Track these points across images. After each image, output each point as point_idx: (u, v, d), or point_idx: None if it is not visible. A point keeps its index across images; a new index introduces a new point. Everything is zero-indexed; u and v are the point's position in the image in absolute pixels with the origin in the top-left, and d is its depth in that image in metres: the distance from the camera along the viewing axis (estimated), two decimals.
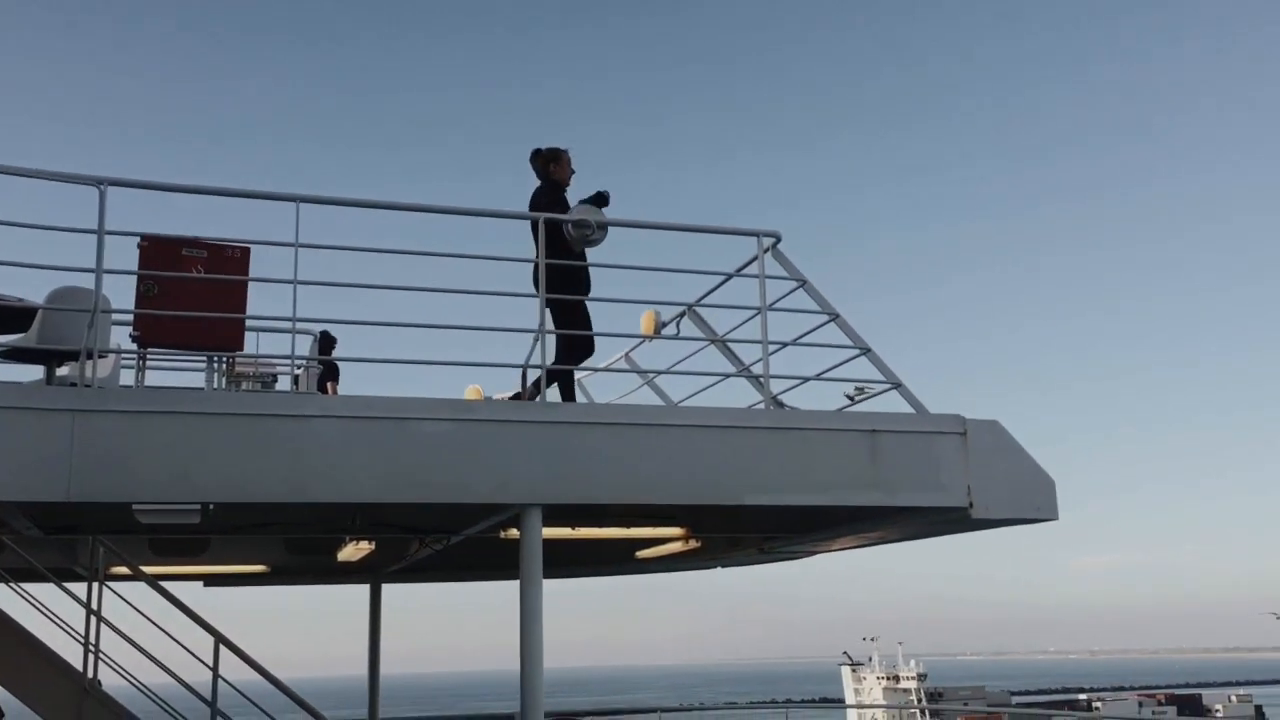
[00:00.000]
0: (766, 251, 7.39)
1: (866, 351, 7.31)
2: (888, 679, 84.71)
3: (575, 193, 8.35)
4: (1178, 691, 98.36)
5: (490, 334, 6.81)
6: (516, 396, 7.70)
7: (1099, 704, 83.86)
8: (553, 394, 8.01)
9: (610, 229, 7.67)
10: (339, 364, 10.90)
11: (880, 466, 6.89)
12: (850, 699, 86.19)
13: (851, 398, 7.62)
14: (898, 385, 7.26)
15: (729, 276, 7.81)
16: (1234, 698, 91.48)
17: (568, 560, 11.28)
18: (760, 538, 9.88)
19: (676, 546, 9.75)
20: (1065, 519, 7.47)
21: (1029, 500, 7.19)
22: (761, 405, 7.35)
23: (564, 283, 7.69)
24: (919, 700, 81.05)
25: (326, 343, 10.78)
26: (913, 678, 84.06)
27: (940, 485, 6.99)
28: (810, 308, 7.39)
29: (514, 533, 6.57)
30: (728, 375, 8.03)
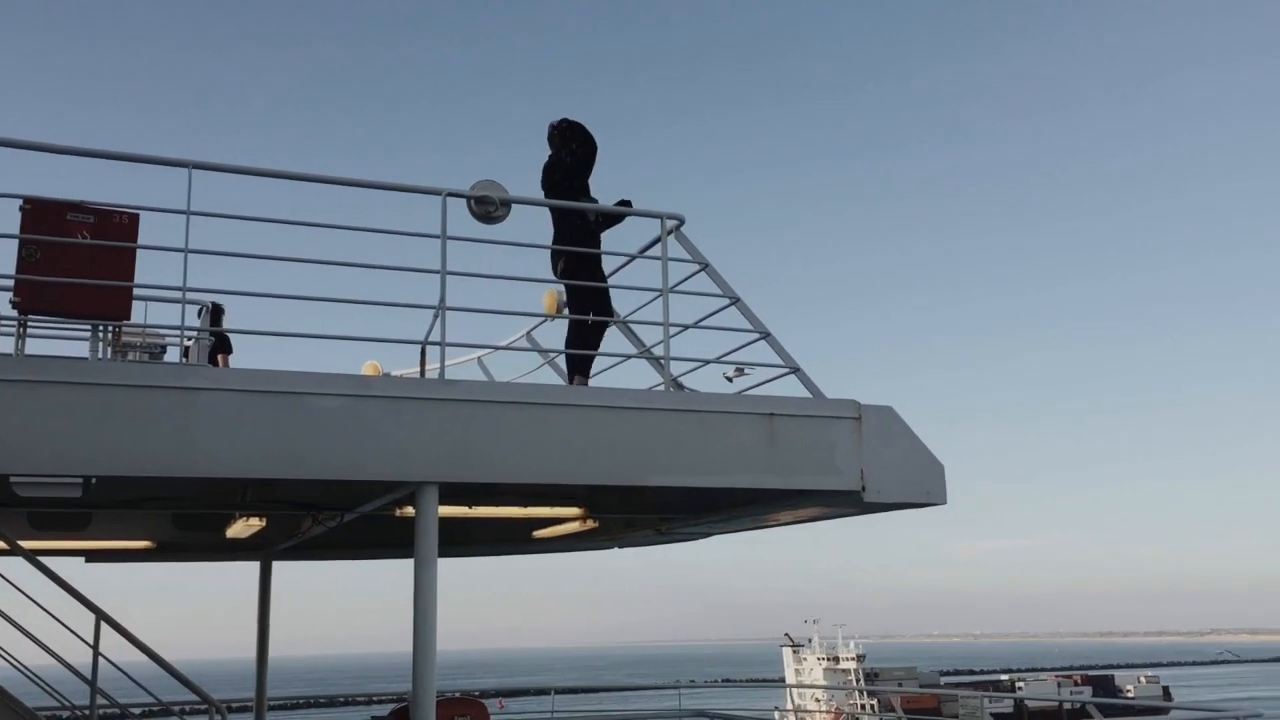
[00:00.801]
0: (670, 234, 7.41)
1: (766, 336, 7.38)
2: (828, 659, 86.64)
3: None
4: (1091, 673, 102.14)
5: (394, 310, 6.73)
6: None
7: (1021, 684, 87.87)
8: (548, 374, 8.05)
9: (515, 206, 7.60)
10: (230, 336, 10.63)
11: (777, 449, 6.97)
12: (791, 679, 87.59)
13: (730, 378, 7.72)
14: (796, 370, 7.35)
15: (631, 258, 7.82)
16: (1143, 679, 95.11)
17: (464, 539, 11.21)
18: (658, 519, 9.94)
19: (574, 526, 9.76)
20: (952, 504, 7.67)
21: (919, 485, 7.35)
22: (661, 387, 7.38)
23: (587, 267, 7.66)
24: (858, 680, 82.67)
25: (217, 314, 10.50)
26: (852, 659, 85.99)
27: (835, 469, 7.11)
28: (712, 291, 7.44)
29: (409, 511, 6.50)
30: (628, 356, 8.05)
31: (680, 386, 7.83)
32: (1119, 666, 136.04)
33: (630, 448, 6.69)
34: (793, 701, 79.01)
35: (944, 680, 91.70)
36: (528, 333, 9.53)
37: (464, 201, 7.11)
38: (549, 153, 8.43)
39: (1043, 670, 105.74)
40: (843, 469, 7.11)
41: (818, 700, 77.72)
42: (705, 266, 7.40)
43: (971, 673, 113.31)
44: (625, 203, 8.07)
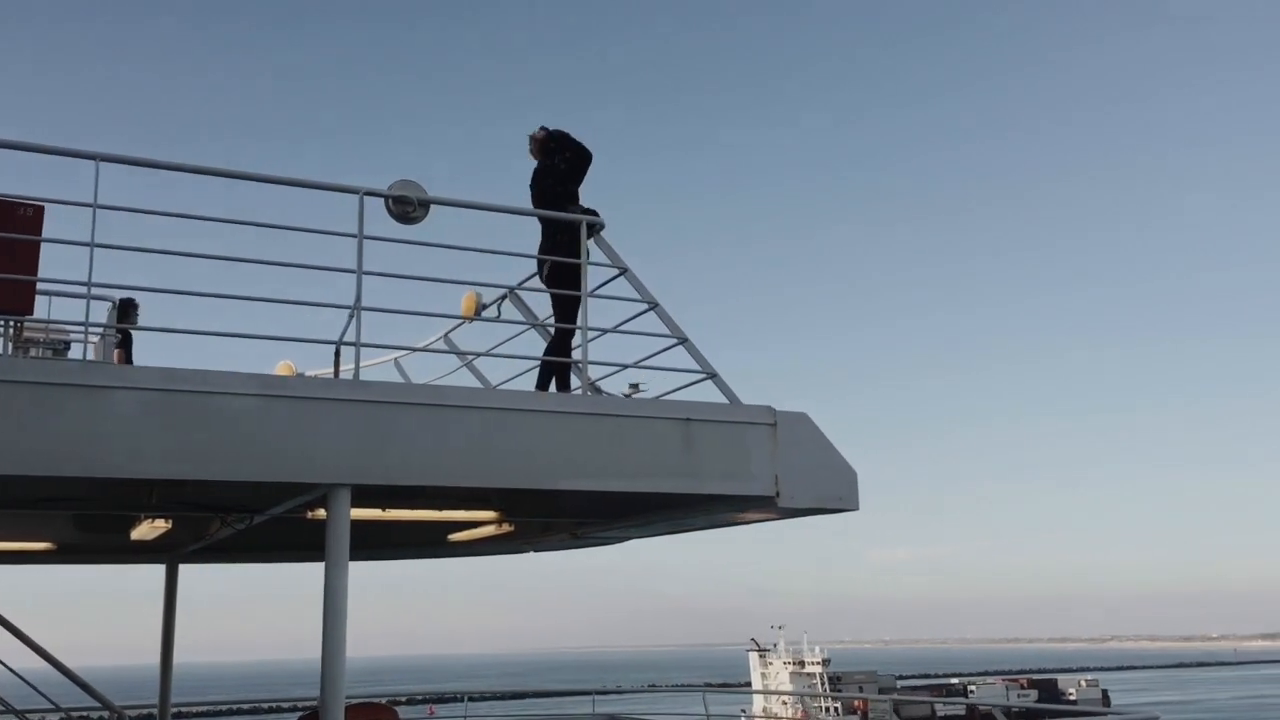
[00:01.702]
0: (590, 238, 7.42)
1: (683, 341, 7.43)
2: (794, 664, 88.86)
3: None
4: (1035, 677, 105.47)
5: (309, 310, 6.64)
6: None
7: (973, 688, 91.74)
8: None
9: (433, 207, 7.55)
10: (133, 333, 10.36)
11: (692, 454, 7.01)
12: (757, 683, 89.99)
13: (627, 395, 7.77)
14: (713, 375, 7.41)
15: (550, 260, 7.81)
16: (1083, 682, 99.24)
17: (377, 543, 11.07)
18: (574, 523, 9.93)
19: (490, 530, 9.70)
20: (864, 511, 7.78)
21: (832, 491, 7.45)
22: (579, 391, 7.38)
23: (571, 275, 7.60)
24: (822, 684, 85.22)
25: (127, 309, 10.24)
26: (817, 663, 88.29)
27: (749, 474, 7.17)
28: (630, 296, 7.46)
29: (321, 513, 6.40)
30: (544, 360, 8.04)
31: (598, 390, 7.85)
32: (1061, 671, 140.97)
33: (546, 451, 6.68)
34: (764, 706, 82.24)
35: (900, 684, 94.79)
36: (446, 335, 9.47)
37: (382, 201, 7.04)
38: (534, 162, 8.52)
39: (989, 674, 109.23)
40: (757, 474, 7.17)
41: (785, 703, 79.95)
42: (624, 271, 7.43)
43: (925, 676, 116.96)
44: (593, 211, 8.09)
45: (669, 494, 7.17)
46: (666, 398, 7.45)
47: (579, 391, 7.35)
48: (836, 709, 78.98)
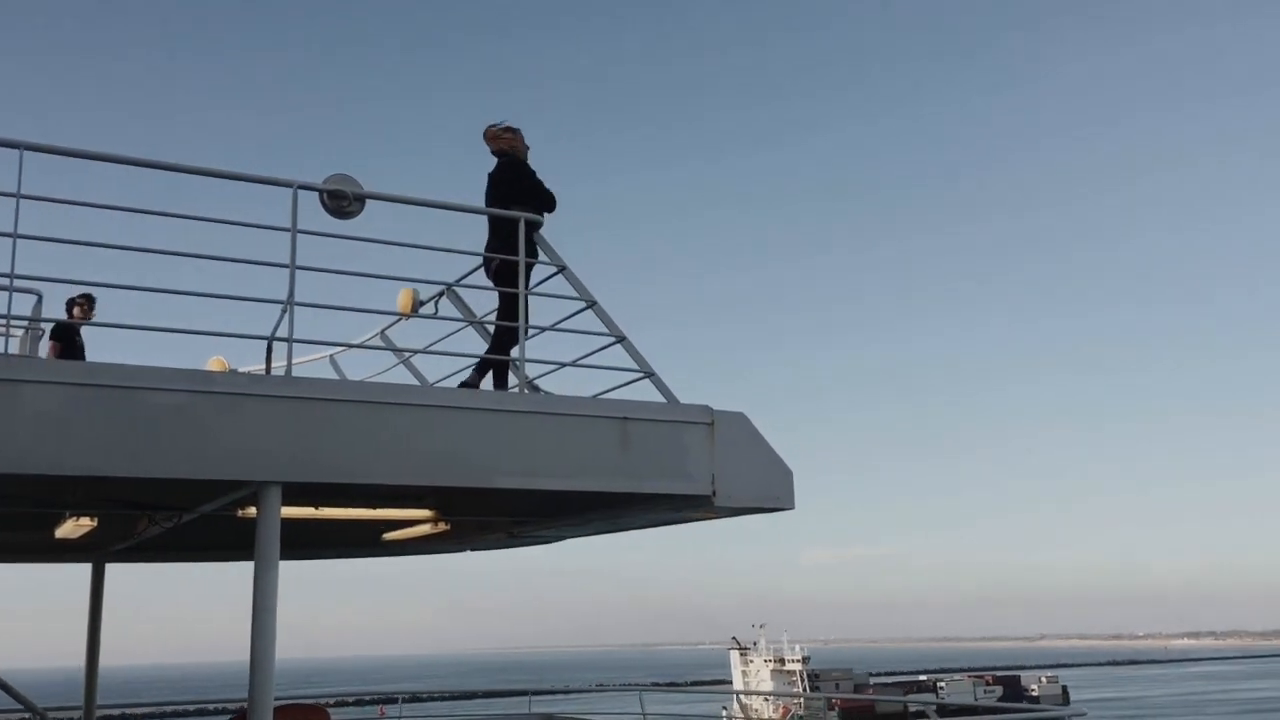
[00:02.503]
0: (528, 235, 7.37)
1: (622, 340, 7.41)
2: (775, 662, 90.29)
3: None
4: (999, 674, 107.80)
5: (242, 305, 6.52)
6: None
7: (942, 685, 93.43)
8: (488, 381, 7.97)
9: (370, 202, 7.45)
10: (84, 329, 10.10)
11: (630, 453, 7.00)
12: (738, 681, 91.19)
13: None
14: (651, 374, 7.39)
15: (489, 258, 7.75)
16: (1044, 679, 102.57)
17: (309, 542, 10.92)
18: (510, 522, 9.86)
19: (425, 529, 9.61)
20: (800, 510, 7.82)
21: (769, 490, 7.47)
22: (517, 389, 7.33)
23: (513, 274, 7.51)
24: (802, 681, 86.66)
25: (76, 304, 9.93)
26: (797, 661, 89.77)
27: (687, 473, 7.17)
28: (569, 294, 7.43)
29: (252, 511, 6.29)
30: (484, 357, 7.98)
31: (536, 389, 7.80)
32: (1024, 668, 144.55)
33: (483, 449, 6.62)
34: (740, 701, 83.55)
35: (873, 681, 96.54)
36: (382, 331, 9.36)
37: (316, 195, 6.94)
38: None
39: (955, 671, 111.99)
40: (694, 474, 7.17)
41: (766, 700, 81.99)
42: (563, 269, 7.39)
43: (892, 674, 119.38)
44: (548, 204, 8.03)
45: (606, 493, 7.15)
46: (604, 397, 7.43)
47: (516, 390, 7.30)
48: (814, 705, 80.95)
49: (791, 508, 7.62)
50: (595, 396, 7.43)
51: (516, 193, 8.06)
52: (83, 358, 10.05)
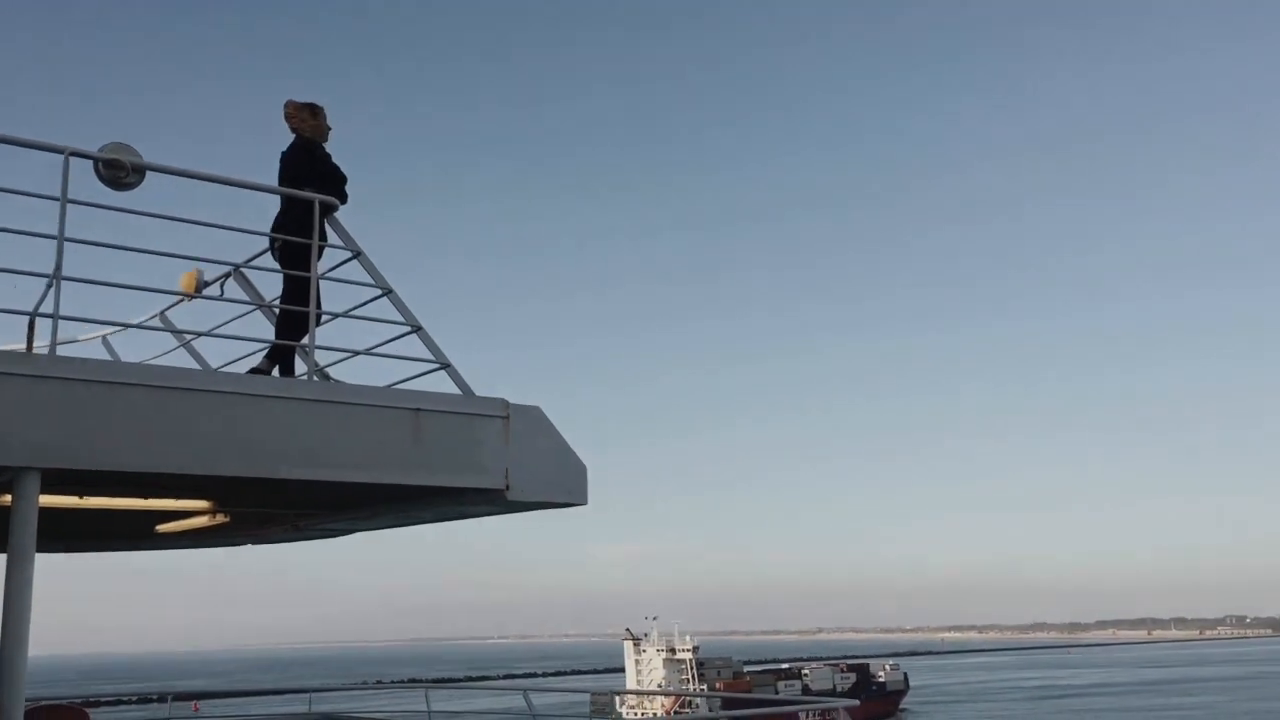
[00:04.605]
0: (323, 218, 7.12)
1: (418, 330, 7.26)
2: (667, 651, 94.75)
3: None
4: (851, 661, 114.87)
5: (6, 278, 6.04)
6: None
7: (807, 671, 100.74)
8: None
9: (151, 174, 7.03)
10: None
11: (422, 446, 6.87)
12: (630, 670, 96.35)
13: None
14: (446, 365, 7.27)
15: (279, 239, 7.45)
16: (888, 666, 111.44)
17: (73, 533, 10.23)
18: (295, 514, 9.52)
19: (203, 521, 9.17)
20: (593, 506, 7.86)
21: (563, 485, 7.49)
22: (305, 376, 7.07)
23: (303, 254, 7.05)
24: (692, 670, 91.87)
25: None
26: (688, 650, 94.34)
27: (480, 467, 7.10)
28: (364, 280, 7.22)
29: (6, 499, 5.84)
30: (270, 343, 7.66)
31: (326, 377, 7.55)
32: (888, 655, 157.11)
33: (267, 438, 6.38)
34: (637, 680, 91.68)
35: (749, 669, 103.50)
36: (162, 312, 8.86)
37: (90, 164, 6.49)
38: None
39: (814, 660, 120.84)
40: (488, 467, 7.10)
41: (660, 686, 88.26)
42: (358, 254, 7.18)
43: (762, 662, 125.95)
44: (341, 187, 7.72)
45: (397, 485, 6.99)
46: (397, 387, 7.25)
47: (305, 377, 7.04)
48: (703, 689, 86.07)
49: (584, 503, 7.66)
50: (388, 387, 7.25)
51: (308, 175, 7.77)
52: None
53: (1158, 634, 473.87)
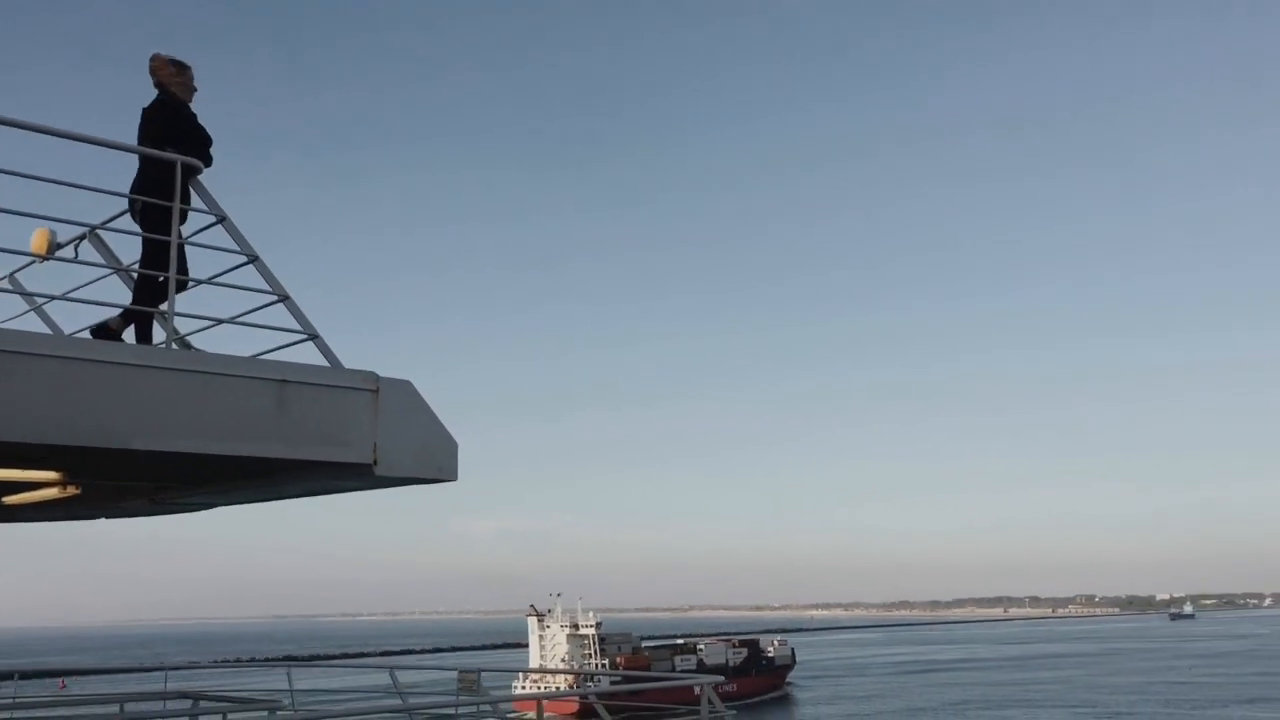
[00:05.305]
0: (185, 180, 6.87)
1: (285, 299, 7.08)
2: (570, 627, 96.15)
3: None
4: (743, 637, 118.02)
5: None
6: None
7: (702, 646, 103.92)
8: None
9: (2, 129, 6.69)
10: None
11: (287, 418, 6.71)
12: (534, 645, 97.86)
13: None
14: (314, 337, 7.12)
15: (139, 200, 7.17)
16: (776, 642, 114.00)
17: None
18: (153, 487, 9.21)
19: (52, 493, 8.80)
20: (466, 482, 7.80)
21: (432, 461, 7.40)
22: (164, 344, 6.83)
23: (164, 216, 6.70)
24: (594, 645, 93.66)
25: None
26: (591, 626, 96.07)
27: (347, 441, 6.97)
28: (229, 246, 7.00)
29: None
30: (126, 308, 7.38)
31: (187, 345, 7.31)
32: (762, 631, 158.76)
33: (122, 407, 6.15)
34: (541, 658, 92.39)
35: (646, 645, 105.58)
36: (11, 274, 8.45)
37: None
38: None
39: (707, 635, 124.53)
40: (355, 441, 6.98)
41: (563, 661, 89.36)
42: (223, 219, 6.96)
43: (659, 638, 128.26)
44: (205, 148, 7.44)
45: (260, 458, 6.82)
46: (263, 357, 7.06)
47: (164, 345, 6.80)
48: (605, 665, 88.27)
49: (455, 479, 7.59)
50: (253, 357, 7.06)
51: (171, 135, 7.48)
52: None
53: (1013, 612, 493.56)
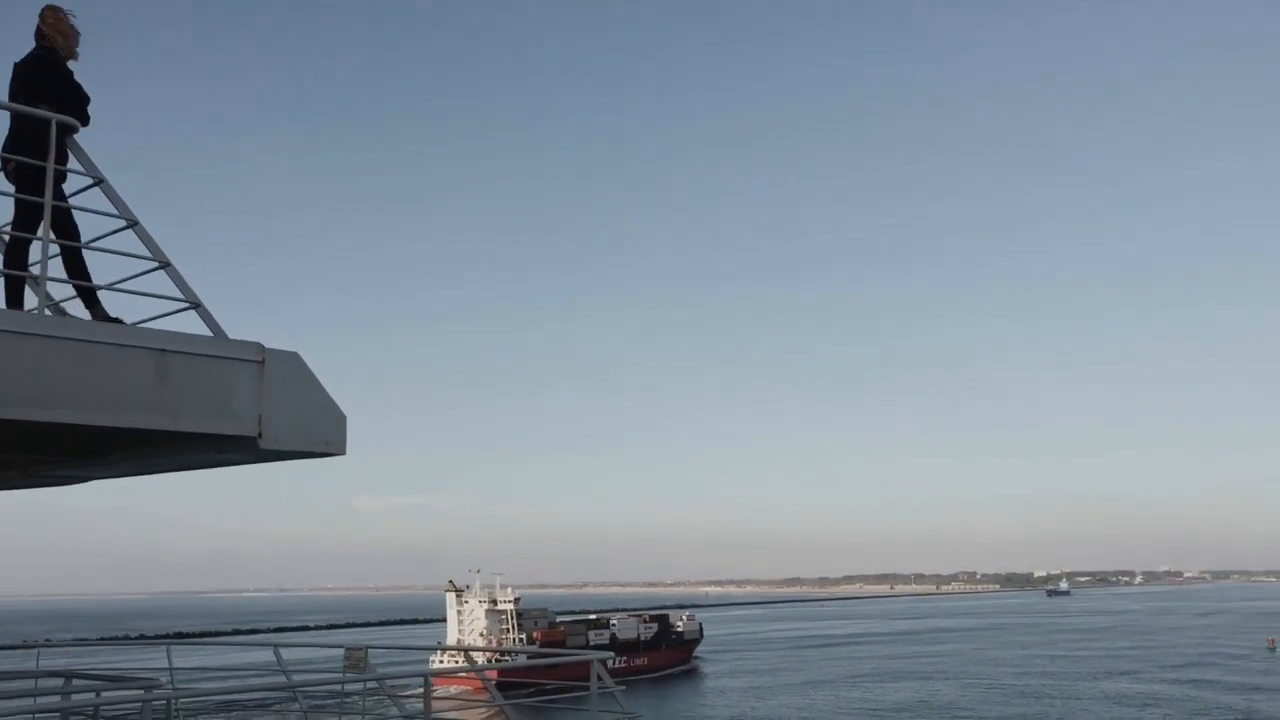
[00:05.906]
0: (61, 140, 6.60)
1: (166, 265, 6.86)
2: (489, 602, 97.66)
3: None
4: (653, 613, 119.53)
5: None
6: None
7: (615, 621, 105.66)
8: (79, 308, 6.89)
9: None
10: None
11: (168, 388, 6.51)
12: (452, 620, 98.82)
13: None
14: (197, 305, 6.92)
15: (8, 160, 6.87)
16: (685, 617, 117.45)
17: None
18: (27, 459, 8.87)
19: None
20: (353, 456, 7.66)
21: (320, 434, 7.26)
22: (36, 310, 6.57)
23: (40, 177, 6.39)
24: (512, 620, 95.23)
25: None
26: (509, 602, 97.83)
27: (231, 413, 6.79)
28: (107, 210, 6.75)
29: None
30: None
31: (62, 312, 7.05)
32: (670, 607, 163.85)
33: None
34: (458, 636, 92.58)
35: (561, 620, 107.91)
36: None
37: None
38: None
39: (619, 611, 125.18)
40: (239, 413, 6.81)
41: (482, 636, 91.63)
42: (100, 181, 6.71)
43: (572, 613, 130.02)
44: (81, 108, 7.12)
45: (139, 430, 6.61)
46: (142, 325, 6.84)
47: (35, 310, 6.53)
48: (523, 640, 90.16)
49: (343, 453, 7.46)
50: (132, 325, 6.83)
51: (46, 91, 7.16)
52: None
53: (900, 588, 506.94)
